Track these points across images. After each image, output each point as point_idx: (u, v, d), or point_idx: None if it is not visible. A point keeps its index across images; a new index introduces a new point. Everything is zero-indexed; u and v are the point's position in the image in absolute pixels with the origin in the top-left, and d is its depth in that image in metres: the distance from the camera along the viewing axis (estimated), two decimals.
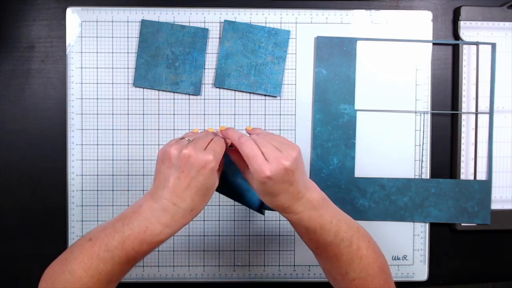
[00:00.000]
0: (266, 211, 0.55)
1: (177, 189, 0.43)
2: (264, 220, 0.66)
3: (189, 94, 0.66)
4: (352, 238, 0.45)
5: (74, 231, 0.66)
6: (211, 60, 0.66)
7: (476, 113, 0.66)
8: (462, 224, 0.66)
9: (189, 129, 0.66)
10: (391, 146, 0.66)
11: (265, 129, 0.66)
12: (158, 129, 0.66)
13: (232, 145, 0.47)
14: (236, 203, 0.66)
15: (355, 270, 0.45)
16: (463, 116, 0.66)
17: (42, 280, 0.44)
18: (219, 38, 0.66)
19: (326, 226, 0.45)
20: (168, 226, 0.43)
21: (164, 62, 0.65)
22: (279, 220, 0.66)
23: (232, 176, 0.51)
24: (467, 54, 0.66)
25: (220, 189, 0.53)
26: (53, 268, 0.44)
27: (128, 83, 0.66)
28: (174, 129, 0.66)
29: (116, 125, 0.66)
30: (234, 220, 0.66)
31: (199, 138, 0.45)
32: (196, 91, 0.65)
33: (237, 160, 0.47)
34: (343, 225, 0.46)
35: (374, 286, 0.45)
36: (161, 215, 0.43)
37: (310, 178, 0.65)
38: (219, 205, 0.66)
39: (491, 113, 0.66)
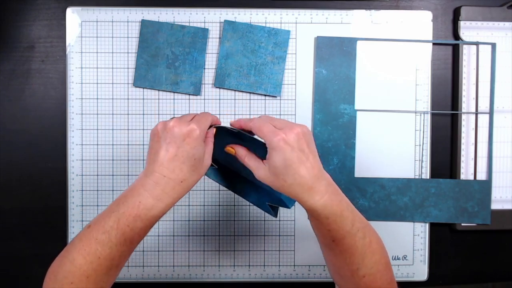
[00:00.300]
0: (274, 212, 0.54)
1: (166, 160, 0.44)
2: (264, 220, 0.66)
3: (189, 94, 0.66)
4: (365, 230, 0.46)
5: (74, 231, 0.66)
6: (211, 60, 0.66)
7: (476, 113, 0.66)
8: (462, 224, 0.66)
9: None
10: (391, 146, 0.66)
11: None
12: None
13: (225, 128, 0.48)
14: (236, 203, 0.66)
15: (366, 265, 0.45)
16: (463, 116, 0.66)
17: (46, 277, 0.44)
18: (219, 38, 0.66)
19: (345, 213, 0.45)
20: (160, 199, 0.44)
21: (164, 62, 0.65)
22: (279, 220, 0.66)
23: (239, 170, 0.50)
24: (467, 54, 0.66)
25: (226, 184, 0.53)
26: (56, 262, 0.44)
27: (128, 83, 0.66)
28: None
29: (116, 125, 0.66)
30: (234, 220, 0.66)
31: (185, 116, 0.47)
32: (196, 91, 0.65)
33: (248, 158, 0.47)
34: (356, 215, 0.46)
35: (382, 284, 0.46)
36: (153, 188, 0.44)
37: None
38: (219, 205, 0.66)
39: (491, 113, 0.66)
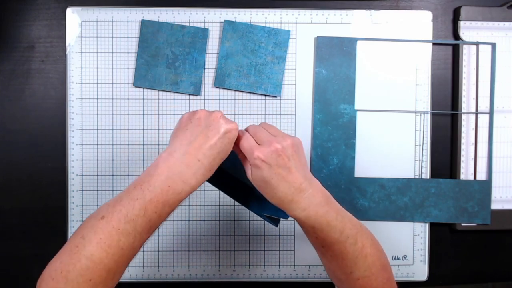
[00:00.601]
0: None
1: (204, 146, 0.44)
2: (264, 220, 0.66)
3: (189, 94, 0.66)
4: (357, 236, 0.45)
5: (74, 231, 0.65)
6: (211, 60, 0.66)
7: (476, 113, 0.66)
8: (462, 224, 0.66)
9: None
10: (391, 146, 0.66)
11: None
12: (158, 129, 0.66)
13: None
14: (236, 203, 0.66)
15: (359, 269, 0.45)
16: (463, 116, 0.66)
17: (44, 279, 0.41)
18: (219, 38, 0.66)
19: (332, 223, 0.45)
20: (188, 184, 0.43)
21: (164, 62, 0.65)
22: (280, 220, 0.66)
23: (240, 177, 0.51)
24: (467, 54, 0.66)
25: (227, 191, 0.53)
26: (61, 261, 0.41)
27: (128, 83, 0.66)
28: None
29: (116, 125, 0.66)
30: (234, 220, 0.66)
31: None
32: (196, 91, 0.65)
33: (242, 159, 0.48)
34: (347, 222, 0.46)
35: (378, 285, 0.46)
36: (183, 170, 0.43)
37: None
38: (219, 205, 0.66)
39: (491, 113, 0.66)
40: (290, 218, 0.66)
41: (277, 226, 0.53)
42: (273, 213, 0.51)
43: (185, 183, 0.43)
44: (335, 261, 0.46)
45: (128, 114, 0.66)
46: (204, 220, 0.66)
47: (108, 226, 0.41)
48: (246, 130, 0.48)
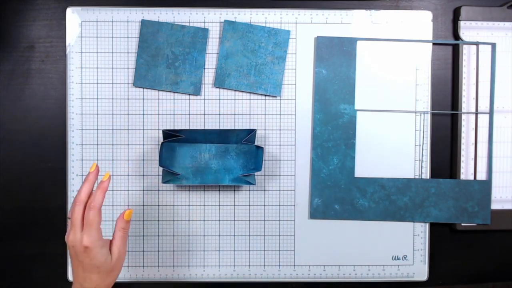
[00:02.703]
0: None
1: (78, 274, 0.49)
2: (264, 220, 0.66)
3: (189, 94, 0.66)
4: None
5: None
6: (211, 60, 0.66)
7: (476, 113, 0.66)
8: (462, 224, 0.66)
9: (188, 128, 0.65)
10: (391, 146, 0.66)
11: (265, 129, 0.66)
12: (158, 129, 0.66)
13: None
14: (236, 203, 0.66)
15: None
16: (463, 116, 0.66)
17: None
18: (219, 38, 0.66)
19: None
20: None
21: (164, 62, 0.65)
22: (279, 220, 0.66)
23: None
24: (467, 54, 0.66)
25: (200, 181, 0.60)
26: None
27: (128, 83, 0.66)
28: (174, 129, 0.66)
29: (116, 125, 0.66)
30: (234, 220, 0.66)
31: (74, 220, 0.49)
32: (196, 91, 0.65)
33: None
34: None
35: None
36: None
37: (310, 178, 0.65)
38: (219, 205, 0.66)
39: (491, 113, 0.66)
40: (290, 218, 0.66)
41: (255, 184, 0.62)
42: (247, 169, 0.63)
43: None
44: None
45: (128, 114, 0.66)
46: (204, 220, 0.66)
47: None
48: None
